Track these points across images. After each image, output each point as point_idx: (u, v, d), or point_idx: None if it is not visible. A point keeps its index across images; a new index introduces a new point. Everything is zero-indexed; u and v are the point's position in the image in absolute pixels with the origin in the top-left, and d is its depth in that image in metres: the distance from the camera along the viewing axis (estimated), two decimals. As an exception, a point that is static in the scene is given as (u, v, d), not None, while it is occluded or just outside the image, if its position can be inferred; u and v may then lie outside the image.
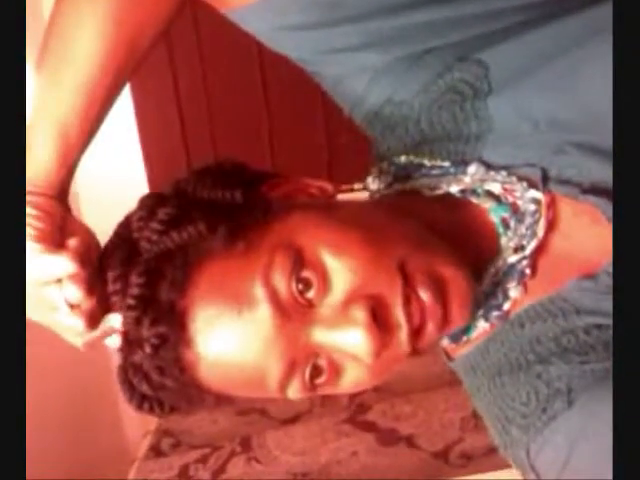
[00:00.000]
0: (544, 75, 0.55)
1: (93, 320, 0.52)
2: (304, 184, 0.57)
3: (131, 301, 0.49)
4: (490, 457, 1.37)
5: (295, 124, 2.51)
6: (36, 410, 1.90)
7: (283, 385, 0.50)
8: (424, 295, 0.49)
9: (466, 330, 0.59)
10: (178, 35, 2.44)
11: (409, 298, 0.49)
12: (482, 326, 0.58)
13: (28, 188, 0.54)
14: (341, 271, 0.49)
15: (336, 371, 0.51)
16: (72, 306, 0.52)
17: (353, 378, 0.51)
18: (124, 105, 2.38)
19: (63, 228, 0.54)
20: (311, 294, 0.49)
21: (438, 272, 0.50)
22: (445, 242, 0.54)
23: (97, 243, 0.57)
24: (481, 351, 0.60)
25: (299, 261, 0.49)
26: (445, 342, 0.61)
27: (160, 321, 0.49)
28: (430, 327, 0.50)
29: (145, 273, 0.49)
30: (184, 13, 0.59)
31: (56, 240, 0.53)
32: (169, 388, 0.51)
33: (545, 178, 0.55)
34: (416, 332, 0.50)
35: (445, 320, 0.50)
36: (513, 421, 0.56)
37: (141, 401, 0.53)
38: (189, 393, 0.52)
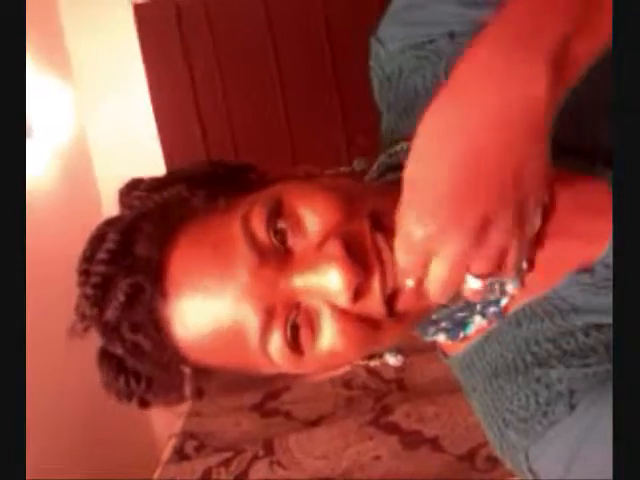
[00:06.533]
0: None
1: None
2: (292, 169, 0.56)
3: (104, 255, 0.48)
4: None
5: (313, 126, 2.49)
6: (64, 411, 1.91)
7: (264, 336, 0.47)
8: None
9: (463, 326, 0.56)
10: (193, 33, 2.46)
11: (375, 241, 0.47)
12: (479, 322, 0.56)
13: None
14: (313, 214, 0.48)
15: (312, 328, 0.48)
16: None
17: (329, 339, 0.48)
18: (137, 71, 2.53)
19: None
20: (290, 242, 0.48)
21: None
22: None
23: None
24: (477, 349, 0.57)
25: (276, 211, 0.48)
26: (442, 338, 0.58)
27: (136, 271, 0.47)
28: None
29: (121, 231, 0.49)
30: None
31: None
32: (143, 350, 0.48)
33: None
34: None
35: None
36: (510, 424, 0.53)
37: (117, 371, 0.50)
38: (165, 361, 0.49)
